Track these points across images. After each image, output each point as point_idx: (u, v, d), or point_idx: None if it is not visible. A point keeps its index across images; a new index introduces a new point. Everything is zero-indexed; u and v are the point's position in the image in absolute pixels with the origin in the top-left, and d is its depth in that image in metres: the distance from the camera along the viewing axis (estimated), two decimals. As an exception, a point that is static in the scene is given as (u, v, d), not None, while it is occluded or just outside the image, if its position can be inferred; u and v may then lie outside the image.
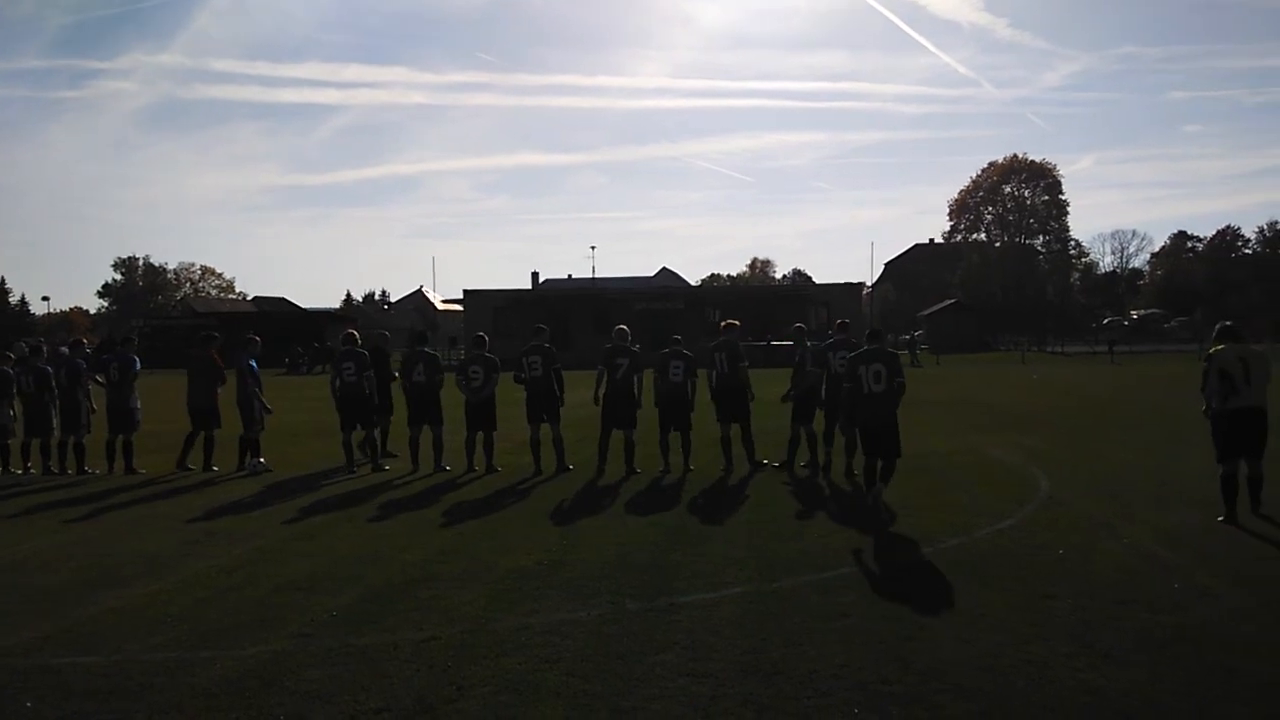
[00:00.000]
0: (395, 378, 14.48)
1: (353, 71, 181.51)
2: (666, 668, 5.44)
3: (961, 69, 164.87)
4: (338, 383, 13.72)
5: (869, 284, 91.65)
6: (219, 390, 14.00)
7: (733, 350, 13.01)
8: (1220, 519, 9.14)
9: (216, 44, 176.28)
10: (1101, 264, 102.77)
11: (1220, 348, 9.57)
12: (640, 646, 5.81)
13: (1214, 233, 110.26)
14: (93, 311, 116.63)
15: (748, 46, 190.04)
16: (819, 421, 12.89)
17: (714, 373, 12.98)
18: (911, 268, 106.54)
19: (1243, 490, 9.23)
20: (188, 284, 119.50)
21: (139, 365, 14.30)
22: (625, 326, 13.74)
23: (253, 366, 14.02)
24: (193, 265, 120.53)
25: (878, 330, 11.42)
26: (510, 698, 5.05)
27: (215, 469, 13.69)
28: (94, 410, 14.18)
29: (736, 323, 13.61)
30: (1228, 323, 10.08)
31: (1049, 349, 64.29)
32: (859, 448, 11.00)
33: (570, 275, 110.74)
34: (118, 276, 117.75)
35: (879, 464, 10.16)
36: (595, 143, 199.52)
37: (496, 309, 60.40)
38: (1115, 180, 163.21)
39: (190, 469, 13.72)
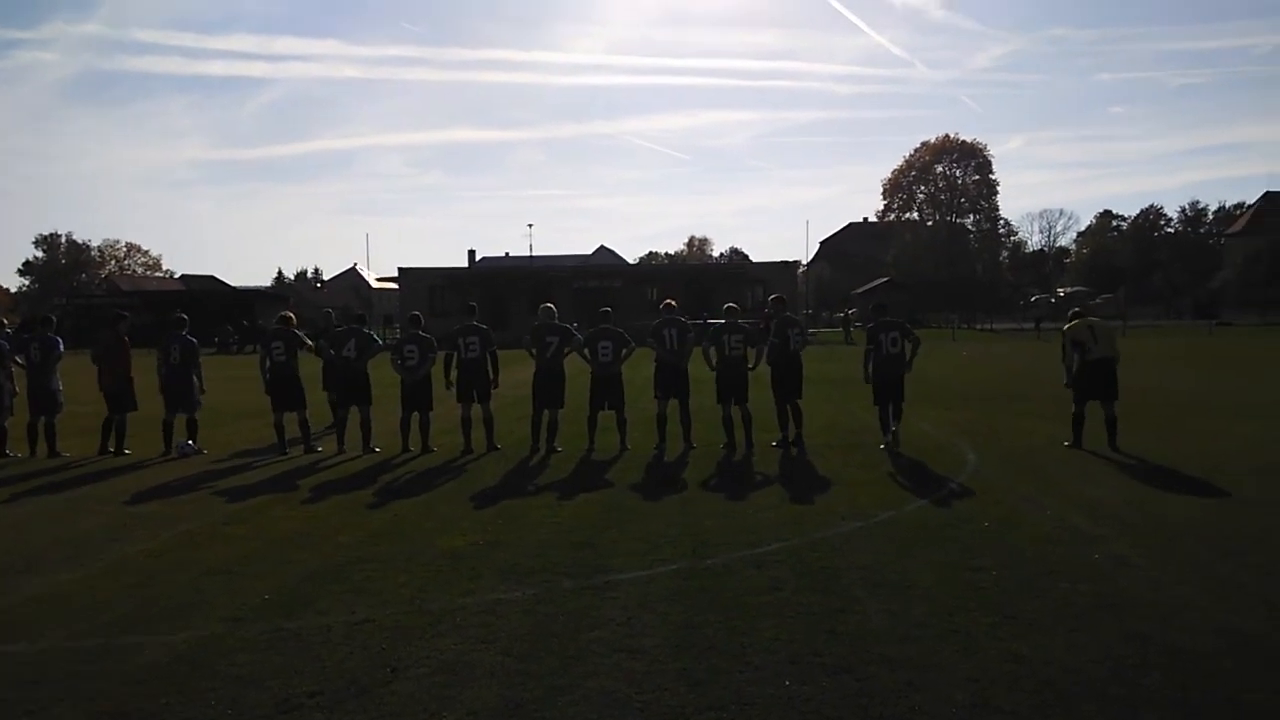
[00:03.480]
0: (309, 345, 14.01)
1: (283, 44, 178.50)
2: (601, 645, 5.49)
3: (895, 49, 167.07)
4: (267, 363, 13.50)
5: (805, 262, 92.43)
6: (131, 372, 13.68)
7: (682, 327, 13.09)
8: (1066, 444, 12.21)
9: (140, 13, 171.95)
10: (1030, 243, 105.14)
11: (1074, 324, 12.43)
12: (575, 624, 5.85)
13: (1138, 212, 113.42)
14: (13, 290, 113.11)
15: (684, 23, 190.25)
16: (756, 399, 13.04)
17: (659, 349, 13.05)
18: (846, 246, 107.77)
19: (1105, 432, 12.01)
20: (112, 261, 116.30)
21: (62, 347, 13.89)
22: (552, 304, 13.72)
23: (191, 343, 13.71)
24: (118, 242, 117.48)
25: (883, 304, 14.02)
26: (445, 678, 5.05)
27: (128, 452, 13.39)
28: (15, 392, 13.78)
29: (674, 302, 13.69)
30: (1076, 308, 13.17)
31: (979, 326, 65.56)
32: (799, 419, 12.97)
33: (508, 253, 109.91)
34: (39, 254, 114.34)
35: (891, 408, 12.62)
36: (532, 119, 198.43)
37: (433, 287, 59.72)
38: (1043, 160, 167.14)
39: (111, 452, 13.40)
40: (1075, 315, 12.72)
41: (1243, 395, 18.79)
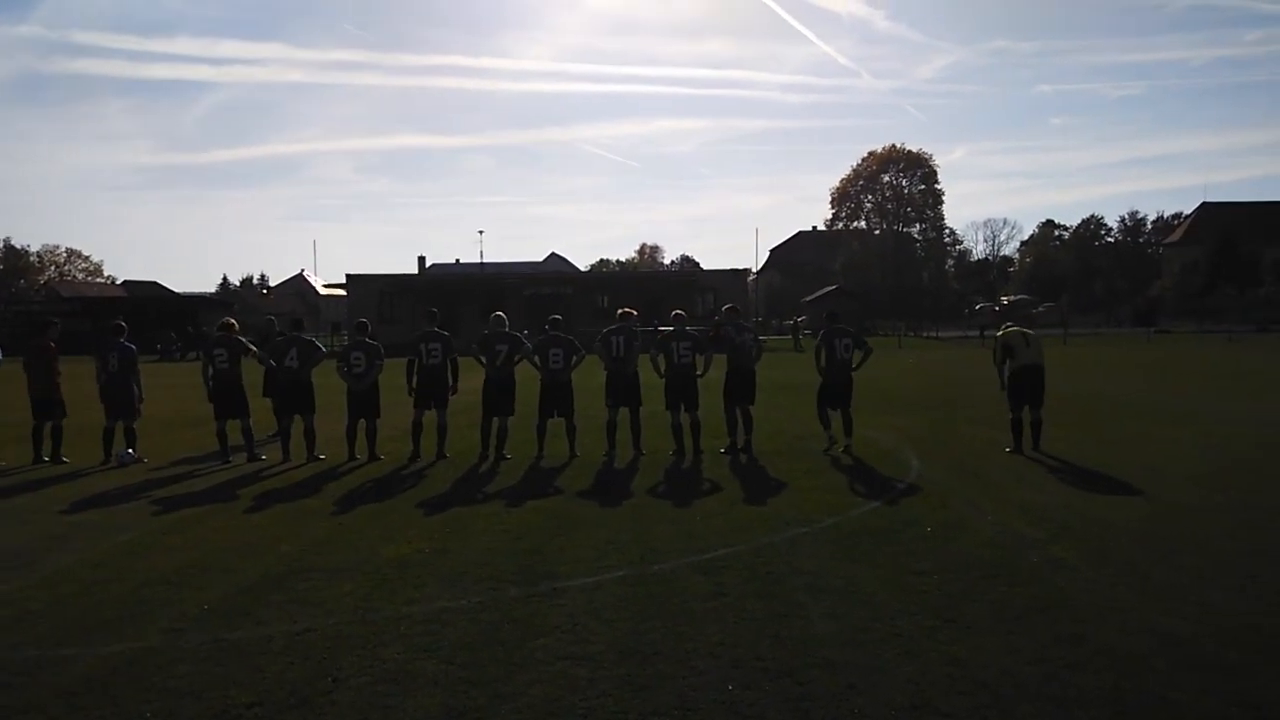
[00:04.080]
0: (253, 351, 13.76)
1: (227, 47, 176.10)
2: (546, 652, 5.49)
3: (841, 59, 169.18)
4: (210, 370, 13.28)
5: (755, 270, 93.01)
6: (59, 379, 13.40)
7: (630, 335, 13.12)
8: (1007, 450, 12.51)
9: (80, 15, 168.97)
10: (974, 251, 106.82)
11: (1009, 331, 13.14)
12: (520, 632, 5.84)
13: (1079, 222, 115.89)
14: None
15: (633, 32, 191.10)
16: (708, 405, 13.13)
17: (605, 357, 13.08)
18: (795, 255, 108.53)
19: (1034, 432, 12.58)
20: (52, 267, 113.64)
21: (2, 356, 13.55)
22: (502, 314, 13.67)
23: (130, 349, 13.44)
24: (58, 248, 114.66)
25: (835, 311, 14.60)
26: (388, 687, 5.02)
27: (65, 460, 13.12)
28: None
29: (634, 311, 13.74)
30: (1009, 320, 14.42)
31: (925, 334, 66.40)
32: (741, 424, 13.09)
33: (458, 260, 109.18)
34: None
35: (841, 416, 13.06)
36: (482, 125, 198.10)
37: (381, 293, 59.25)
38: (986, 170, 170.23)
39: (45, 461, 13.12)
40: (1008, 325, 13.50)
41: (1178, 402, 19.23)
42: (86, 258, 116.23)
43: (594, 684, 5.02)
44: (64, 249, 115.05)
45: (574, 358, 13.05)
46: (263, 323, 17.38)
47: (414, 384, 13.15)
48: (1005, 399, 13.01)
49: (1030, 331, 13.23)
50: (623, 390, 13.05)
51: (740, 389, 13.22)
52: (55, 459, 13.12)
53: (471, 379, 13.78)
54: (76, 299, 73.54)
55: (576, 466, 12.14)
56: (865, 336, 14.43)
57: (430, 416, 13.10)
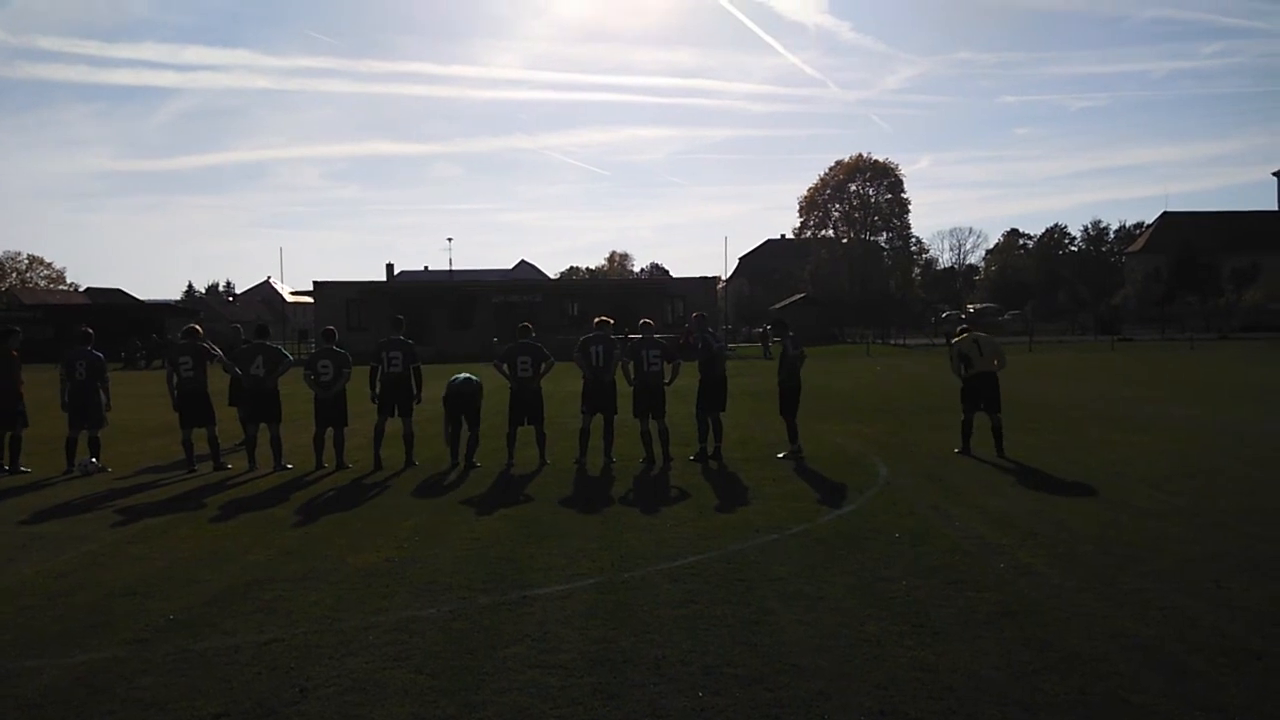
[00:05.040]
0: (218, 354, 13.60)
1: (192, 53, 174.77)
2: (517, 660, 5.48)
3: (808, 69, 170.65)
4: (175, 379, 13.12)
5: (724, 278, 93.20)
6: (21, 388, 13.20)
7: (608, 344, 13.12)
8: (956, 450, 13.09)
9: (42, 20, 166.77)
10: (940, 260, 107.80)
11: (962, 337, 13.42)
12: (490, 641, 5.82)
13: (1043, 231, 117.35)
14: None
15: (601, 40, 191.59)
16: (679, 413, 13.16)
17: (584, 366, 13.05)
18: (764, 263, 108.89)
19: (994, 437, 12.91)
20: (13, 274, 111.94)
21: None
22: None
23: (98, 357, 13.25)
24: (19, 255, 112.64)
25: (782, 320, 15.55)
26: (356, 697, 4.99)
27: (26, 470, 12.91)
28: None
29: (610, 320, 13.75)
30: (964, 323, 14.54)
31: (892, 341, 66.79)
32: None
33: (427, 267, 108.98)
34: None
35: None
36: (450, 133, 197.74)
37: (349, 301, 58.75)
38: (952, 179, 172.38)
39: (6, 471, 12.90)
40: (963, 330, 13.68)
41: (1140, 408, 19.47)
42: (49, 265, 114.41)
43: (565, 692, 5.01)
44: (25, 256, 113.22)
45: (543, 365, 13.03)
46: (228, 330, 17.23)
47: (376, 391, 13.10)
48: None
49: (983, 336, 13.46)
50: (599, 397, 13.05)
51: (712, 396, 13.27)
52: (14, 469, 12.90)
53: (437, 388, 13.74)
54: (39, 306, 72.43)
55: (547, 474, 12.12)
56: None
57: (396, 425, 13.03)
